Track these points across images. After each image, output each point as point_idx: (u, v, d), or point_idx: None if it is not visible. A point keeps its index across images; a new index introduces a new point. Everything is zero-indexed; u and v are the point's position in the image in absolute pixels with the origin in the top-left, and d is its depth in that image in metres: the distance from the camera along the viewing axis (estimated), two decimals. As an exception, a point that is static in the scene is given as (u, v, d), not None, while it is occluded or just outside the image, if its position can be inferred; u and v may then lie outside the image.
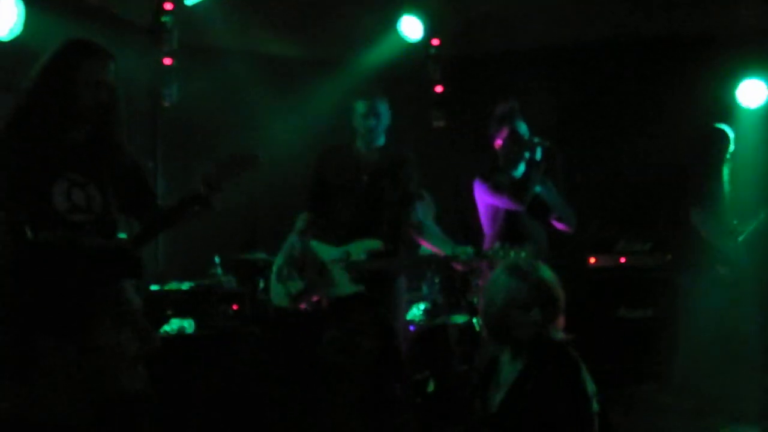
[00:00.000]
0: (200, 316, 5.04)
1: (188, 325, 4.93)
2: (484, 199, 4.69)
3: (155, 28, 5.64)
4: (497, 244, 4.00)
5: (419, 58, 6.77)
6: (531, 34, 6.63)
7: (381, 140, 4.36)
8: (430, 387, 4.88)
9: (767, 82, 5.88)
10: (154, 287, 5.27)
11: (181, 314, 5.00)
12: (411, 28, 6.44)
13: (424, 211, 4.69)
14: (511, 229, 4.57)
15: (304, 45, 6.90)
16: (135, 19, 5.90)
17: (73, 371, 2.63)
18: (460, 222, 5.81)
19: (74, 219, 2.79)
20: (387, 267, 4.18)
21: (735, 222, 5.17)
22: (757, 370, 4.98)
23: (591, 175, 6.49)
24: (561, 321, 2.81)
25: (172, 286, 5.35)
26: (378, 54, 6.65)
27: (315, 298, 4.22)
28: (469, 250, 4.05)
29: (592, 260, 6.12)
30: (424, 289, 5.43)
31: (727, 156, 5.10)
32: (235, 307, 5.32)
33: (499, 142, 4.72)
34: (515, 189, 4.55)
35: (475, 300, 4.75)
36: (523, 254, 3.83)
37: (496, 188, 4.59)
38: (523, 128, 4.65)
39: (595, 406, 2.66)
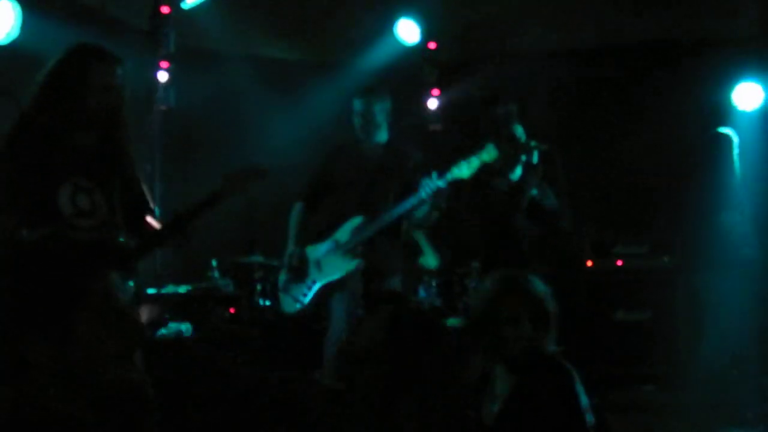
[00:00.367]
0: (197, 320, 5.04)
1: (185, 328, 4.93)
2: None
3: (152, 32, 5.65)
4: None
5: (416, 61, 6.78)
6: (527, 38, 6.64)
7: (380, 137, 4.43)
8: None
9: (763, 85, 5.89)
10: (151, 290, 5.27)
11: (178, 318, 5.00)
12: (408, 31, 6.45)
13: None
14: (507, 232, 4.57)
15: (302, 48, 6.91)
16: (132, 23, 5.90)
17: (57, 364, 2.62)
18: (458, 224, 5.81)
19: (79, 224, 2.79)
20: (372, 233, 4.22)
21: None
22: (757, 370, 4.98)
23: (588, 179, 6.50)
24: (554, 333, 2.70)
25: (170, 289, 5.34)
26: (375, 57, 6.66)
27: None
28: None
29: (590, 263, 6.12)
30: (421, 292, 5.43)
31: (736, 158, 5.12)
32: (232, 310, 5.32)
33: (495, 145, 4.72)
34: (512, 192, 4.56)
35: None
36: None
37: (491, 191, 4.61)
38: (519, 131, 4.66)
39: (590, 418, 2.61)
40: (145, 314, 4.47)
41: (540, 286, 2.73)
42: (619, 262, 6.06)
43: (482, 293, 2.80)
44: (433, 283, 5.45)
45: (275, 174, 3.28)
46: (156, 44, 5.65)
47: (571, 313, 2.89)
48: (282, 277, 4.54)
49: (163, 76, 5.75)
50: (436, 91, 6.89)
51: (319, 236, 4.44)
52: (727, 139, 5.15)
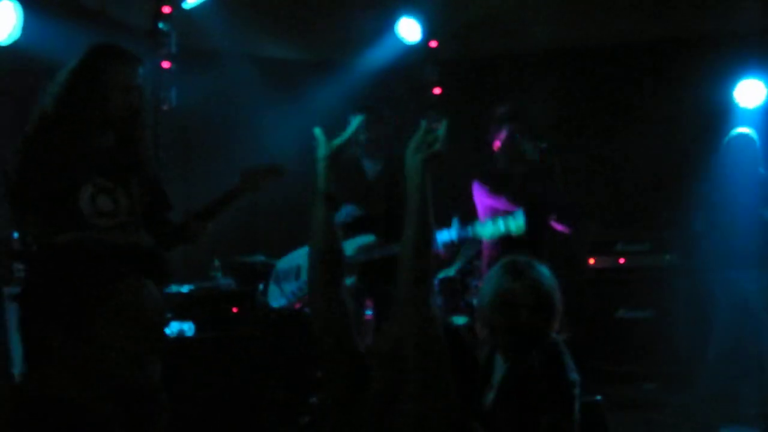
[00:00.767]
0: (200, 319, 5.04)
1: (188, 327, 4.93)
2: (482, 200, 4.69)
3: (154, 32, 5.64)
4: None
5: (417, 60, 6.78)
6: (529, 36, 6.63)
7: (380, 152, 4.41)
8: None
9: (766, 81, 5.88)
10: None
11: (180, 317, 5.00)
12: (409, 30, 6.45)
13: None
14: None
15: (303, 47, 6.90)
16: (133, 23, 5.90)
17: (76, 358, 2.65)
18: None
19: (99, 223, 2.81)
20: (370, 257, 4.21)
21: None
22: (757, 369, 4.98)
23: (589, 176, 6.50)
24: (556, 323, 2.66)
25: (172, 288, 5.34)
26: (376, 56, 6.66)
27: (299, 304, 4.31)
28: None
29: (592, 261, 6.12)
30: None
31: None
32: (234, 309, 5.31)
33: (497, 144, 4.72)
34: (513, 191, 4.56)
35: (474, 301, 4.76)
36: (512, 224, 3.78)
37: (495, 190, 4.60)
38: (529, 150, 4.65)
39: (577, 391, 2.57)
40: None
41: (545, 275, 2.70)
42: (622, 260, 6.06)
43: (487, 279, 2.78)
44: (435, 282, 5.44)
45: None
46: (157, 44, 5.64)
47: (573, 311, 2.89)
48: (282, 265, 4.48)
49: (164, 76, 5.75)
50: (437, 90, 6.88)
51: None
52: (749, 139, 5.15)
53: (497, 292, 2.65)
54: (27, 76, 4.97)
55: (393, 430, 2.31)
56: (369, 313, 4.67)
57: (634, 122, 6.70)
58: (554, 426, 2.50)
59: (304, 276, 4.40)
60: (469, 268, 5.35)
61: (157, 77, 5.72)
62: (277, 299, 4.42)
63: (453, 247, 4.07)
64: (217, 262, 5.58)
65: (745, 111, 5.89)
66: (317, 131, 2.79)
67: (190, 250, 5.67)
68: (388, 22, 6.42)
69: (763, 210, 4.96)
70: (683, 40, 6.60)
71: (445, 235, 4.03)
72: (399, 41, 6.50)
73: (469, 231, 4.00)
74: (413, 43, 6.53)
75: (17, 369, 3.64)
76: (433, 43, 6.76)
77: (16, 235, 3.82)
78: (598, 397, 3.11)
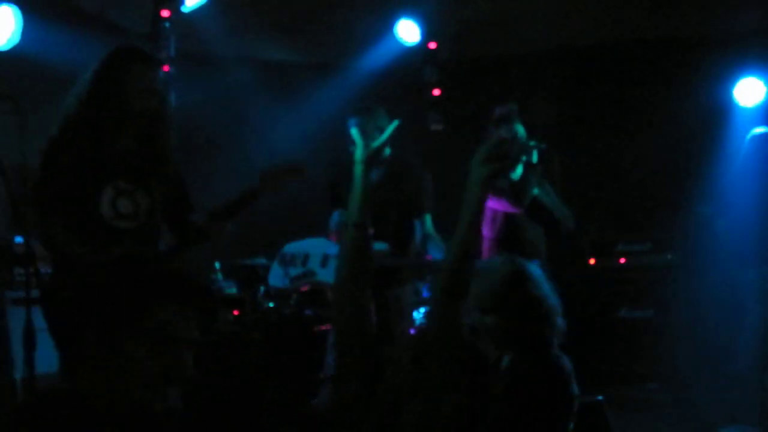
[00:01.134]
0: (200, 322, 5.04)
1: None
2: (483, 201, 4.68)
3: (153, 36, 5.64)
4: None
5: (416, 61, 6.78)
6: (528, 37, 6.63)
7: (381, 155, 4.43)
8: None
9: (765, 80, 5.88)
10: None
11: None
12: (408, 31, 6.45)
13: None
14: (510, 232, 4.58)
15: (302, 49, 6.91)
16: (132, 27, 5.90)
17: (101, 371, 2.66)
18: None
19: (119, 226, 2.84)
20: (380, 265, 4.21)
21: None
22: (757, 369, 4.97)
23: (589, 177, 6.50)
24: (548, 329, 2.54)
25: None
26: (376, 57, 6.67)
27: (306, 287, 4.35)
28: None
29: (592, 261, 6.12)
30: (424, 292, 5.43)
31: None
32: (235, 312, 5.32)
33: (497, 145, 4.71)
34: (514, 192, 4.56)
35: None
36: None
37: (495, 192, 4.60)
38: (521, 131, 4.66)
39: (575, 388, 2.54)
40: None
41: (537, 274, 2.59)
42: (622, 260, 6.06)
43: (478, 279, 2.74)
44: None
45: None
46: (156, 47, 5.64)
47: (574, 312, 2.88)
48: (290, 249, 4.52)
49: (163, 80, 5.75)
50: (436, 91, 6.88)
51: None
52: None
53: (480, 295, 2.50)
54: (27, 80, 4.99)
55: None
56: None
57: (635, 122, 6.70)
58: None
59: (310, 263, 4.43)
60: None
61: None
62: (280, 280, 4.46)
63: None
64: (218, 265, 5.59)
65: (745, 110, 5.90)
66: (354, 132, 2.57)
67: (191, 253, 5.72)
68: (387, 24, 6.43)
69: None
70: (683, 40, 6.60)
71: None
72: (398, 43, 6.51)
73: None
74: (412, 45, 6.54)
75: (19, 373, 3.64)
76: (432, 45, 6.77)
77: (18, 239, 3.83)
78: (600, 397, 3.11)
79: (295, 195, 4.64)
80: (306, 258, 4.52)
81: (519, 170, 4.64)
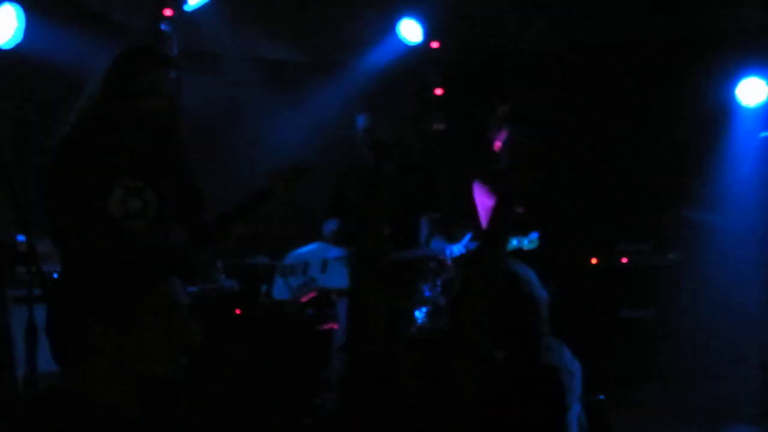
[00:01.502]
0: (203, 321, 5.04)
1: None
2: (483, 201, 4.68)
3: (155, 35, 5.65)
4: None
5: (419, 61, 6.78)
6: (531, 36, 6.64)
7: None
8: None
9: (767, 80, 5.88)
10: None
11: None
12: (410, 31, 6.46)
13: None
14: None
15: (304, 49, 6.91)
16: (135, 26, 5.91)
17: (117, 354, 2.69)
18: (460, 225, 5.82)
19: (129, 225, 2.84)
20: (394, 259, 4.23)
21: None
22: (758, 368, 4.98)
23: (591, 176, 6.50)
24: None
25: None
26: (378, 57, 6.67)
27: (311, 294, 4.33)
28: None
29: (594, 260, 6.12)
30: (426, 291, 5.43)
31: None
32: (237, 311, 5.32)
33: (498, 145, 4.72)
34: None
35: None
36: (525, 242, 3.81)
37: (495, 191, 4.60)
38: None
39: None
40: None
41: (521, 270, 2.70)
42: (624, 260, 6.06)
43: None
44: (438, 282, 5.44)
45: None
46: (159, 47, 5.65)
47: (575, 311, 2.89)
48: (289, 260, 4.55)
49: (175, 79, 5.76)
50: (439, 91, 6.89)
51: (338, 238, 4.42)
52: None
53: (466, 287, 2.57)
54: (29, 79, 5.00)
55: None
56: None
57: (636, 121, 6.70)
58: None
59: (311, 272, 4.44)
60: None
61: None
62: (282, 293, 4.47)
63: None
64: (219, 264, 5.59)
65: (747, 109, 5.89)
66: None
67: (204, 253, 5.72)
68: (390, 23, 6.43)
69: None
70: (684, 39, 6.59)
71: (456, 250, 4.07)
72: (400, 42, 6.51)
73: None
74: (415, 44, 6.54)
75: (20, 372, 3.65)
76: (435, 44, 6.77)
77: (20, 237, 3.83)
78: (602, 397, 3.11)
79: (298, 194, 4.64)
80: (306, 266, 4.53)
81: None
